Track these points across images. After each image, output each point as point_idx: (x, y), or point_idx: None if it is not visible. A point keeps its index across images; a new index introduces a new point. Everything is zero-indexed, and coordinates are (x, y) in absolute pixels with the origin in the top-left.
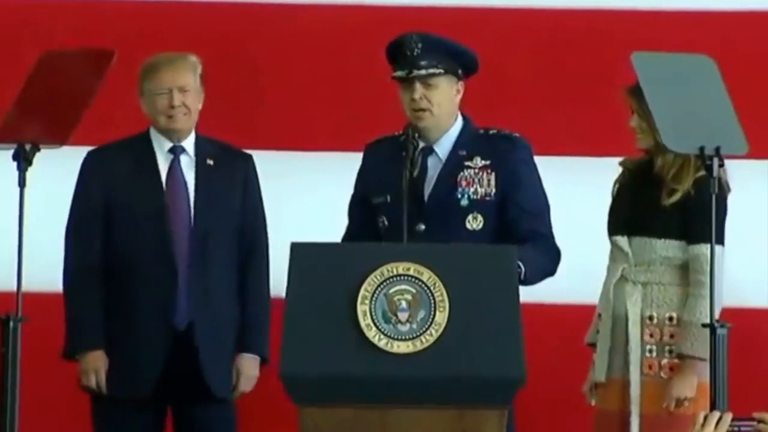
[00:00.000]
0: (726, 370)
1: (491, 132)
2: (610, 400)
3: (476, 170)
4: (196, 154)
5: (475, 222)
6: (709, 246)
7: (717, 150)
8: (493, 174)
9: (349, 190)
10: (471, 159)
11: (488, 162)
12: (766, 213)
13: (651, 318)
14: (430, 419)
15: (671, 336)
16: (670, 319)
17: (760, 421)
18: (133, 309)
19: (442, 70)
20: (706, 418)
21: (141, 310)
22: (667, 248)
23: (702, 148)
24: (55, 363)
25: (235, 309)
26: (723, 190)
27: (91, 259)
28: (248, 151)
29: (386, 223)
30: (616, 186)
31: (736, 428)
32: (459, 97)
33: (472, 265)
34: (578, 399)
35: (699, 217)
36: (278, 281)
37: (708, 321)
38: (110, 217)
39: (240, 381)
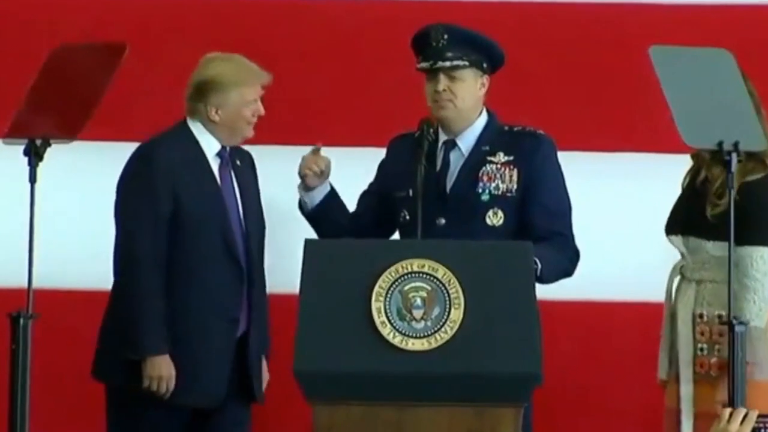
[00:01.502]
0: (744, 368)
1: (516, 129)
2: (671, 397)
3: (498, 165)
4: (230, 155)
5: (495, 218)
6: (754, 248)
7: (735, 145)
8: (516, 170)
9: (361, 186)
10: (494, 154)
11: (511, 158)
12: None
13: (701, 316)
14: (445, 417)
15: (720, 334)
16: (719, 317)
17: None
18: (200, 314)
19: (467, 63)
20: (731, 414)
21: (208, 316)
22: (718, 248)
23: (720, 143)
24: (66, 359)
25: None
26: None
27: (161, 259)
28: (266, 146)
29: (407, 217)
30: (685, 180)
31: (761, 424)
32: (483, 90)
33: (488, 262)
34: (596, 397)
35: (743, 220)
36: (293, 277)
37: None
38: (176, 219)
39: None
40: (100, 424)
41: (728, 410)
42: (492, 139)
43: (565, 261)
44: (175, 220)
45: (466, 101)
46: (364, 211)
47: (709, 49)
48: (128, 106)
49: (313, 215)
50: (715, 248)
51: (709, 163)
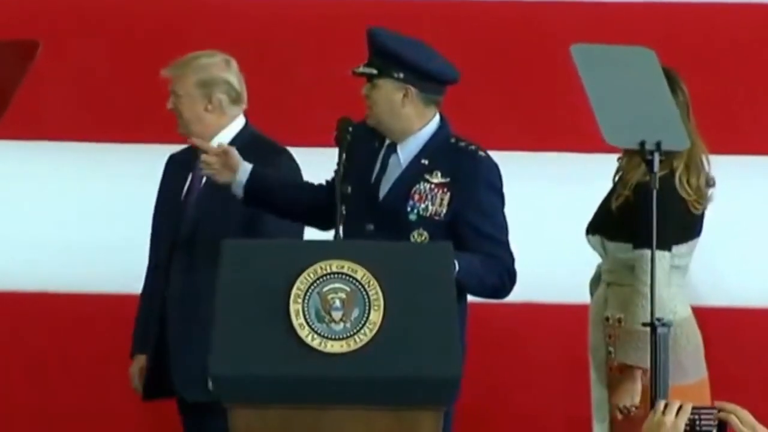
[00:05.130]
0: (667, 369)
1: (461, 144)
2: None
3: (432, 186)
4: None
5: (420, 237)
6: (645, 251)
7: (658, 145)
8: (449, 194)
9: None
10: (431, 172)
11: (447, 180)
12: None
13: (608, 319)
14: (365, 420)
15: (619, 338)
16: (619, 320)
17: (720, 409)
18: None
19: (375, 72)
20: (665, 406)
21: None
22: (619, 249)
23: (642, 143)
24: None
25: None
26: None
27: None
28: None
29: (344, 213)
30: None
31: (696, 416)
32: (407, 100)
33: (408, 263)
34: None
35: (637, 221)
36: None
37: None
38: None
39: None
40: None
41: (663, 402)
42: (434, 153)
43: (493, 276)
44: None
45: (380, 108)
46: (316, 188)
47: (630, 47)
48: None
49: (252, 203)
50: (617, 249)
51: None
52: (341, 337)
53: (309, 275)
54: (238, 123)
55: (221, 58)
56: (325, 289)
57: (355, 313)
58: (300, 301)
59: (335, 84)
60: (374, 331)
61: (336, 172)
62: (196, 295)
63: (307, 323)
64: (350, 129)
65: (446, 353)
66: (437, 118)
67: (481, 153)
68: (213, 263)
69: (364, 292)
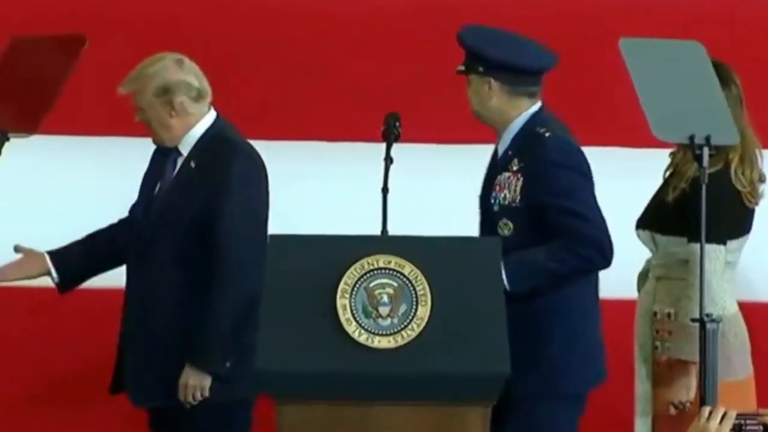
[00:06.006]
0: (716, 365)
1: (539, 130)
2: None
3: (509, 175)
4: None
5: (505, 228)
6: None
7: (707, 139)
8: (522, 179)
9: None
10: (512, 161)
11: (521, 165)
12: None
13: (655, 314)
14: (412, 416)
15: (669, 332)
16: (669, 315)
17: (764, 416)
18: None
19: (462, 68)
20: (711, 412)
21: None
22: (671, 244)
23: (692, 137)
24: None
25: None
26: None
27: None
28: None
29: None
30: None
31: (742, 421)
32: (492, 92)
33: (455, 258)
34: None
35: (693, 215)
36: None
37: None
38: None
39: None
40: None
41: (707, 408)
42: (518, 143)
43: (565, 257)
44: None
45: (474, 103)
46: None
47: (680, 41)
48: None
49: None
50: (669, 243)
51: (677, 152)
52: (388, 332)
53: (356, 270)
54: (207, 120)
55: (171, 59)
56: (372, 284)
57: (403, 308)
58: (347, 296)
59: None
60: (422, 327)
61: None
62: (150, 294)
63: (354, 319)
64: (397, 124)
65: (494, 349)
66: (533, 108)
67: (548, 134)
68: (167, 261)
69: (411, 288)
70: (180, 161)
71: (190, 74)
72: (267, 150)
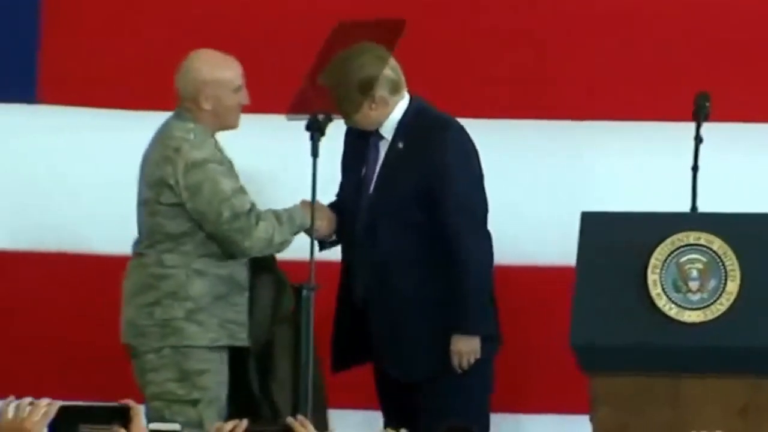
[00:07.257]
0: None
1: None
2: None
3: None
4: None
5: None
6: None
7: None
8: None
9: None
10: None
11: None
12: None
13: None
14: (722, 389)
15: None
16: None
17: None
18: None
19: None
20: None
21: None
22: None
23: None
24: None
25: None
26: None
27: None
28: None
29: None
30: None
31: None
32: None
33: (764, 234)
34: None
35: None
36: None
37: None
38: None
39: None
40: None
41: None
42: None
43: None
44: None
45: None
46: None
47: None
48: None
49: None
50: None
51: None
52: (698, 306)
53: (667, 246)
54: (403, 103)
55: (372, 54)
56: (683, 259)
57: (712, 283)
58: (658, 271)
59: None
60: (731, 301)
61: None
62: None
63: (665, 293)
64: (707, 104)
65: None
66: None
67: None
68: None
69: (720, 263)
70: (383, 144)
71: (388, 68)
72: (591, 131)
